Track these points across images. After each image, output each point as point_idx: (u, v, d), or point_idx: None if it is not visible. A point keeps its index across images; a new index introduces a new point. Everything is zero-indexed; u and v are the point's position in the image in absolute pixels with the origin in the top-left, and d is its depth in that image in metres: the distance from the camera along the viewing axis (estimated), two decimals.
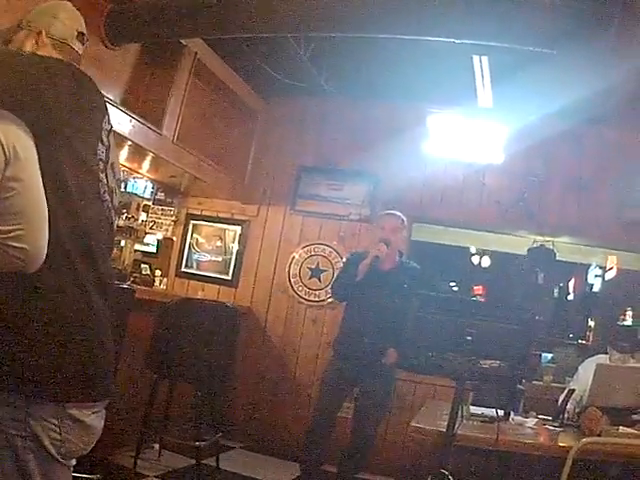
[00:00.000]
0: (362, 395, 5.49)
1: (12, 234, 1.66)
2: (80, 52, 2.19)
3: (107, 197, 2.06)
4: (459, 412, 3.45)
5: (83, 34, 2.20)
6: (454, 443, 3.62)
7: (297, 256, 7.20)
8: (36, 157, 1.74)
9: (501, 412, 4.23)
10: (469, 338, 3.42)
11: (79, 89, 1.98)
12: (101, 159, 2.04)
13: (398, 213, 5.70)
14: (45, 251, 1.72)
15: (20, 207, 1.68)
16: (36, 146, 1.75)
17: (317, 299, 5.96)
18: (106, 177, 2.06)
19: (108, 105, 2.19)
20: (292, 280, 7.16)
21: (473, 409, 4.68)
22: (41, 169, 1.75)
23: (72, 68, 2.01)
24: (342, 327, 5.71)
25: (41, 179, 1.74)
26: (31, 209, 1.70)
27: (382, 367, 5.39)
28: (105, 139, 2.08)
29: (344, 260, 6.19)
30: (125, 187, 6.74)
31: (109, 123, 2.13)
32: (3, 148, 1.66)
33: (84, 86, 2.01)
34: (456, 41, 4.81)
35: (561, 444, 4.03)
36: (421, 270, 5.72)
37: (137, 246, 7.37)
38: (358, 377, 5.43)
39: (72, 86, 1.94)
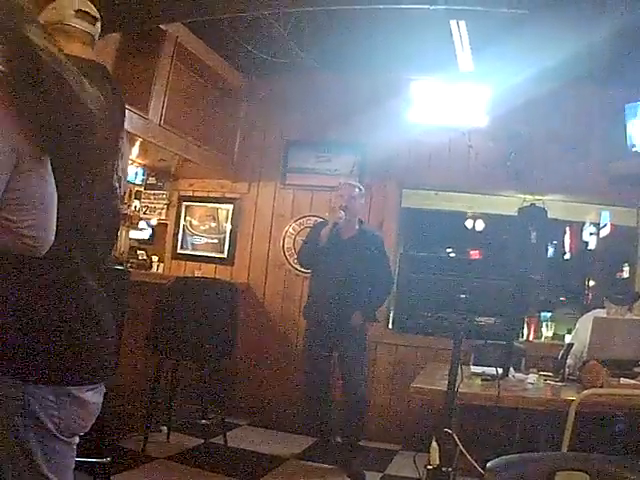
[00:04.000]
0: (341, 360, 5.69)
1: (26, 223, 1.68)
2: (89, 31, 2.12)
3: (117, 185, 2.07)
4: (459, 371, 3.50)
5: (86, 12, 2.12)
6: (457, 403, 3.68)
7: (290, 229, 7.24)
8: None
9: (500, 370, 4.30)
10: (463, 296, 3.46)
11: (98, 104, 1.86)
12: (115, 170, 2.04)
13: (355, 182, 6.02)
14: (53, 237, 1.75)
15: (34, 198, 1.70)
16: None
17: None
18: (118, 182, 2.07)
19: None
20: (287, 254, 7.20)
21: (474, 368, 4.75)
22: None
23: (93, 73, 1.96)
24: (310, 294, 5.92)
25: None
26: (44, 200, 1.72)
27: (352, 329, 5.58)
28: (121, 148, 2.08)
29: (309, 229, 6.36)
30: None
31: (124, 130, 2.12)
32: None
33: (101, 100, 1.89)
34: (430, 7, 4.85)
35: (563, 397, 4.08)
36: (382, 237, 6.01)
37: (132, 234, 7.41)
38: (334, 342, 5.62)
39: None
